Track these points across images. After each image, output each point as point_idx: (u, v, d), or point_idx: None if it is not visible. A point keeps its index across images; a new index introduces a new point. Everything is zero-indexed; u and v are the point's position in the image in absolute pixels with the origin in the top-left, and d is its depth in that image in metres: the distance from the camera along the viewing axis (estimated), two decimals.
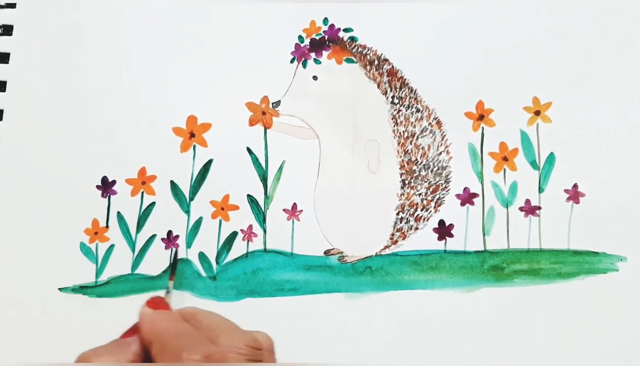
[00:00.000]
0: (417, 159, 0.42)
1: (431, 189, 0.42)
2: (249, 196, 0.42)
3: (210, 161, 0.42)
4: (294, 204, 0.42)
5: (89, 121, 0.43)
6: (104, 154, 0.42)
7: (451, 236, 0.41)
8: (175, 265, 0.40)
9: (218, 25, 0.44)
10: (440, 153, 0.42)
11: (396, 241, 0.41)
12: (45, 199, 0.41)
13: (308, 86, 0.43)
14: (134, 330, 0.31)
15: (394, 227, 0.41)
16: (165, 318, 0.31)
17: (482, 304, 0.40)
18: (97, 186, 0.42)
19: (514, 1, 0.44)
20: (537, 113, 0.43)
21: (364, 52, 0.43)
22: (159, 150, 0.42)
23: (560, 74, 0.43)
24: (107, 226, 0.41)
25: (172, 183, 0.42)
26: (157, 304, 0.32)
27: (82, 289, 0.41)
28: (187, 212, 0.42)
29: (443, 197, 0.42)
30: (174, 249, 0.41)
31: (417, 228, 0.41)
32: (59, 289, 0.40)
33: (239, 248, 0.41)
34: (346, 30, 0.44)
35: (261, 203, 0.42)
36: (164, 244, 0.41)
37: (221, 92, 0.43)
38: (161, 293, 0.39)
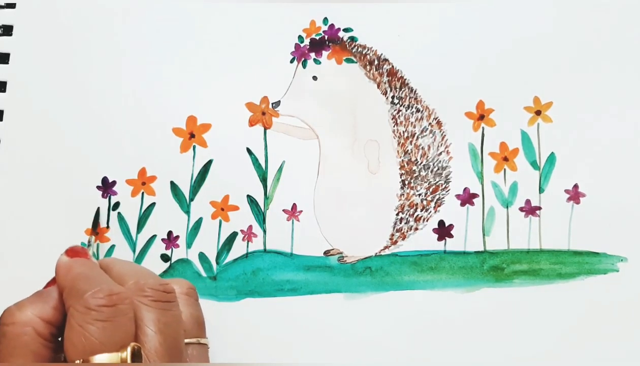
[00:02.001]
0: (417, 160, 0.42)
1: (431, 190, 0.42)
2: (248, 196, 0.42)
3: (210, 162, 0.42)
4: (294, 204, 0.42)
5: (89, 121, 0.43)
6: (104, 154, 0.42)
7: (451, 236, 0.41)
8: (97, 221, 0.40)
9: (218, 25, 0.44)
10: (440, 153, 0.42)
11: (396, 242, 0.41)
12: (46, 200, 0.42)
13: (308, 86, 0.43)
14: (54, 280, 0.31)
15: (394, 227, 0.41)
16: (80, 264, 0.31)
17: (482, 304, 0.40)
18: (98, 187, 0.42)
19: (514, 1, 0.44)
20: (538, 113, 0.43)
21: (364, 52, 0.43)
22: (159, 150, 0.42)
23: (561, 74, 0.43)
24: (107, 227, 0.41)
25: (172, 183, 0.42)
26: (75, 253, 0.31)
27: None
28: (187, 212, 0.42)
29: (443, 197, 0.42)
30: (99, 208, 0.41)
31: (416, 229, 0.41)
32: None
33: (239, 248, 0.41)
34: (346, 30, 0.44)
35: (261, 203, 0.42)
36: (164, 245, 0.41)
37: (221, 93, 0.43)
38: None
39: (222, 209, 0.42)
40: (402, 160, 0.42)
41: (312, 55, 0.44)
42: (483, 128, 0.43)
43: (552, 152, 0.42)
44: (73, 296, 0.28)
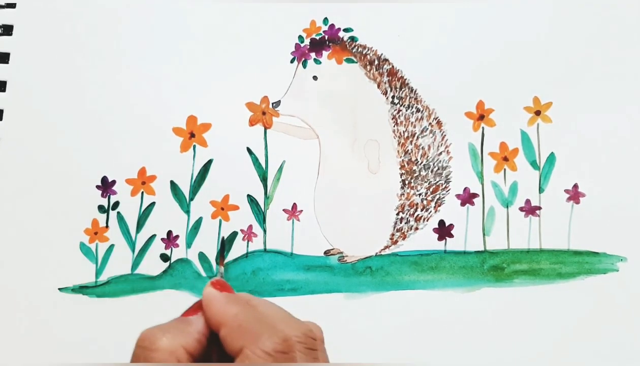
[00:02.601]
0: (417, 159, 0.42)
1: (431, 189, 0.42)
2: (249, 196, 0.42)
3: (210, 161, 0.42)
4: (294, 204, 0.42)
5: (89, 121, 0.43)
6: (104, 154, 0.42)
7: (451, 236, 0.41)
8: (223, 250, 0.40)
9: (218, 25, 0.44)
10: (441, 153, 0.42)
11: (396, 241, 0.41)
12: (46, 199, 0.41)
13: (308, 86, 0.43)
14: (196, 309, 0.31)
15: (394, 227, 0.41)
16: (235, 301, 0.31)
17: (482, 304, 0.40)
18: (97, 186, 0.42)
19: (514, 2, 0.44)
20: (538, 113, 0.43)
21: (364, 52, 0.43)
22: (159, 150, 0.42)
23: (560, 74, 0.43)
24: (107, 226, 0.41)
25: (172, 183, 0.42)
26: (222, 286, 0.32)
27: (82, 289, 0.41)
28: (187, 212, 0.42)
29: (443, 197, 0.42)
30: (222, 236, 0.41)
31: (417, 228, 0.41)
32: (59, 289, 0.40)
33: (239, 248, 0.41)
34: (346, 30, 0.44)
35: (261, 203, 0.42)
36: (164, 244, 0.41)
37: (221, 92, 0.43)
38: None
39: (222, 209, 0.42)
40: (402, 160, 0.42)
41: (313, 55, 0.44)
42: (483, 128, 0.43)
43: (552, 152, 0.42)
44: (247, 338, 0.28)
